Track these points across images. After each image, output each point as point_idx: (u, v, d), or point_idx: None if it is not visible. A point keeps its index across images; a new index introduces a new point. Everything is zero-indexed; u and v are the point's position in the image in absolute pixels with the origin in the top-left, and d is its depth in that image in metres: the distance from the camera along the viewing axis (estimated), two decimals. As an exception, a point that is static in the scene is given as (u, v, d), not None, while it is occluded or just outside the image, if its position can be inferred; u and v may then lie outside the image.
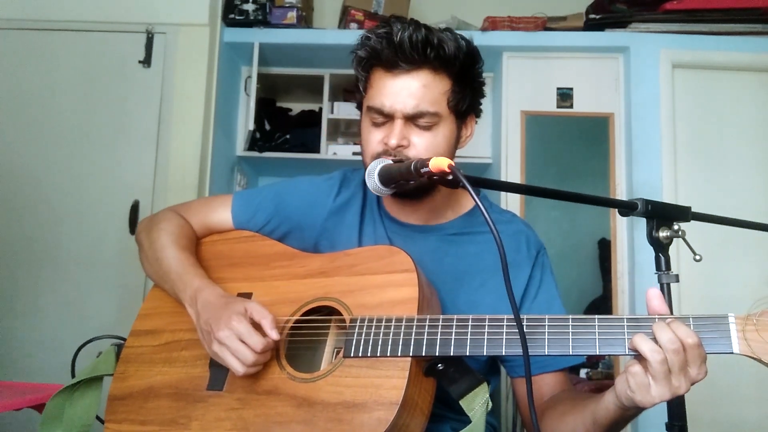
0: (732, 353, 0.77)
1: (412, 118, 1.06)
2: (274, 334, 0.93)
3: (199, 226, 1.25)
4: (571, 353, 0.83)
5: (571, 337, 0.84)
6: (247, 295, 1.10)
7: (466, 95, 1.10)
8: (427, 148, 1.07)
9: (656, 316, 0.80)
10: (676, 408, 0.87)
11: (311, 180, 1.26)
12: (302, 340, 1.04)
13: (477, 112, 1.18)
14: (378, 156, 1.07)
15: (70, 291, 2.51)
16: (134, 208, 2.55)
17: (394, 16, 1.10)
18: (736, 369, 2.53)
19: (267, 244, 1.19)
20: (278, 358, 0.99)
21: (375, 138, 1.09)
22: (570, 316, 0.85)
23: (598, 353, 0.83)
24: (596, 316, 0.84)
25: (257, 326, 0.94)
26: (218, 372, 1.02)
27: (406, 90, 1.05)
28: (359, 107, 1.17)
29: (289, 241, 1.20)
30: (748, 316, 0.78)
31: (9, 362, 2.45)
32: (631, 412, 0.84)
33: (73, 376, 1.15)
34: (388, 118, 1.07)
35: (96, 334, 1.21)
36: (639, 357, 0.79)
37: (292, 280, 1.09)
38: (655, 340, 0.77)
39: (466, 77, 1.09)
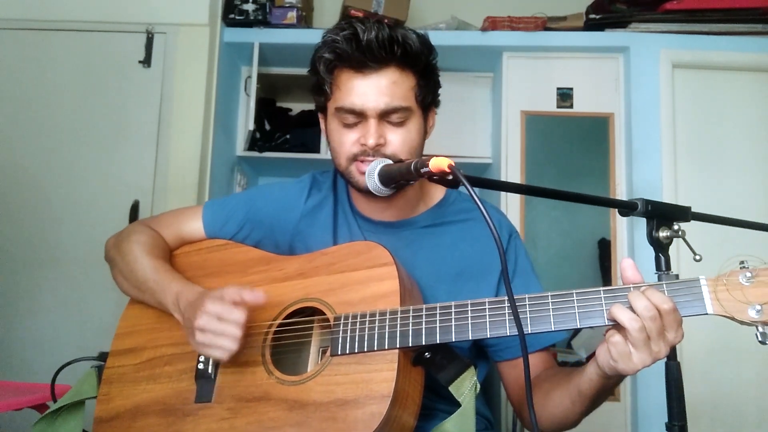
0: (707, 314, 0.81)
1: (384, 116, 1.07)
2: (254, 297, 0.93)
3: (171, 238, 1.24)
4: (553, 329, 0.86)
5: (552, 313, 0.86)
6: None
7: (431, 88, 1.13)
8: (402, 143, 1.08)
9: (631, 286, 0.83)
10: (676, 408, 0.87)
11: (281, 185, 1.27)
12: (287, 343, 1.03)
13: (437, 104, 1.20)
14: (355, 157, 1.09)
15: (70, 291, 2.51)
16: (134, 208, 2.55)
17: (354, 17, 1.10)
18: (737, 369, 2.54)
19: (242, 251, 1.18)
20: (265, 364, 0.98)
21: (349, 139, 1.09)
22: (549, 293, 0.87)
23: (579, 326, 0.85)
24: (574, 290, 0.86)
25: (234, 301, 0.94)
26: (205, 383, 1.01)
27: (377, 88, 1.06)
28: (321, 110, 1.18)
29: (264, 246, 1.20)
30: (718, 277, 0.82)
31: (9, 362, 2.45)
32: (613, 380, 0.88)
33: (53, 399, 1.13)
34: (360, 117, 1.08)
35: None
36: (618, 326, 0.81)
37: (271, 284, 1.08)
38: (631, 308, 0.80)
39: (428, 71, 1.12)
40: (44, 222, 2.56)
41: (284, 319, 1.03)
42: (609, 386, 0.91)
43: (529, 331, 0.85)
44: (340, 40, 1.07)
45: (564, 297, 0.86)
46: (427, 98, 1.13)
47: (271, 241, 1.21)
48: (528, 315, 0.86)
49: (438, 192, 1.22)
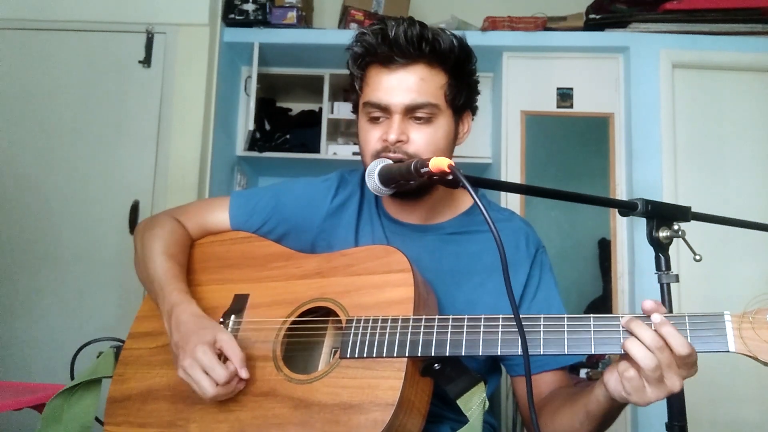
0: (728, 352, 0.77)
1: (410, 112, 1.06)
2: (243, 373, 0.92)
3: (195, 229, 1.24)
4: (566, 353, 0.84)
5: (566, 336, 0.84)
6: (244, 297, 1.10)
7: (462, 90, 1.12)
8: (426, 143, 1.07)
9: (651, 316, 0.80)
10: (676, 408, 0.87)
11: (309, 181, 1.26)
12: (299, 341, 1.03)
13: (473, 109, 1.19)
14: (378, 154, 1.07)
15: (70, 291, 2.51)
16: (134, 208, 2.55)
17: (386, 16, 1.11)
18: (736, 369, 2.54)
19: (263, 245, 1.18)
20: (275, 360, 0.99)
21: (373, 136, 1.09)
22: (565, 316, 0.85)
23: (593, 353, 0.83)
24: (591, 315, 0.84)
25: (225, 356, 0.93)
26: None
27: (404, 83, 1.05)
28: (355, 108, 1.17)
29: (287, 242, 1.20)
30: (744, 314, 0.78)
31: (9, 362, 2.45)
32: (622, 404, 0.86)
33: (72, 378, 1.14)
34: (386, 113, 1.07)
35: (96, 334, 1.21)
36: (629, 358, 0.79)
37: (288, 280, 1.08)
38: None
39: (461, 72, 1.11)
40: (44, 222, 2.56)
41: (298, 316, 1.03)
42: (617, 409, 0.89)
43: (541, 353, 0.84)
44: (368, 34, 1.07)
45: (580, 321, 0.84)
46: (459, 99, 1.11)
47: (294, 237, 1.21)
48: (541, 336, 0.85)
49: (467, 200, 1.20)
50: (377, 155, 1.07)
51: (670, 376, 0.77)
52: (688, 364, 0.78)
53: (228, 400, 0.97)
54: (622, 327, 0.81)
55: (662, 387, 0.78)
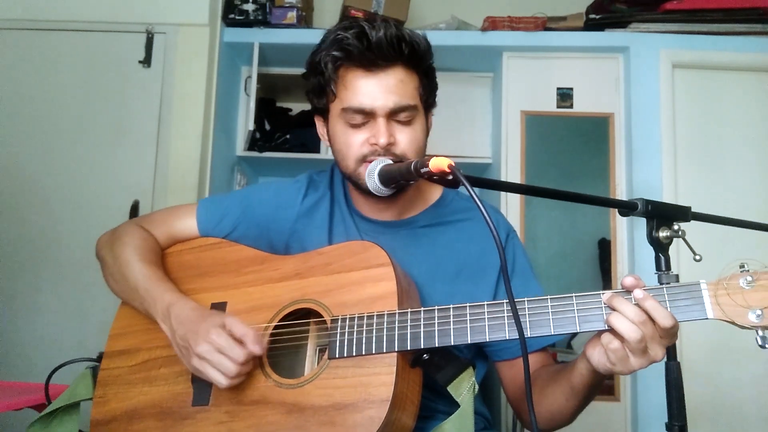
0: (707, 319, 0.80)
1: (393, 115, 1.06)
2: (257, 349, 0.92)
3: (163, 237, 1.23)
4: (553, 333, 0.85)
5: (551, 317, 0.85)
6: (221, 305, 1.08)
7: (432, 88, 1.14)
8: (410, 142, 1.08)
9: (631, 291, 0.82)
10: (676, 408, 0.87)
11: (278, 183, 1.26)
12: (283, 345, 1.02)
13: (434, 104, 1.20)
14: (364, 157, 1.07)
15: (70, 291, 2.51)
16: (134, 208, 2.55)
17: (352, 16, 1.10)
18: (736, 369, 2.54)
19: (235, 250, 1.16)
20: (262, 367, 0.97)
21: (357, 140, 1.08)
22: (548, 297, 0.87)
23: (578, 330, 0.85)
24: (573, 294, 0.86)
25: (236, 339, 0.93)
26: (202, 387, 1.00)
27: (385, 87, 1.05)
28: (321, 112, 1.15)
29: (259, 246, 1.18)
30: (718, 281, 0.82)
31: (9, 362, 2.44)
32: (604, 376, 0.89)
33: (47, 401, 1.12)
34: (368, 117, 1.07)
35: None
36: (613, 331, 0.82)
37: (266, 284, 1.07)
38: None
39: (430, 71, 1.13)
40: (44, 222, 2.56)
41: (280, 320, 1.02)
42: (600, 381, 0.92)
43: (529, 335, 0.85)
44: (349, 37, 1.05)
45: (564, 300, 0.86)
46: (430, 98, 1.14)
47: (266, 241, 1.20)
48: (528, 318, 0.86)
49: (435, 192, 1.22)
50: (363, 159, 1.07)
51: (653, 347, 0.81)
52: (670, 334, 0.81)
53: (219, 412, 0.96)
54: (604, 303, 0.83)
55: (646, 356, 0.81)
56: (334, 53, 1.07)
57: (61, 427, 1.10)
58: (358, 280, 0.98)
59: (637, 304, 0.81)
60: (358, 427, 0.86)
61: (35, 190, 2.58)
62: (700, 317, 0.81)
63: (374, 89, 1.05)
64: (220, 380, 0.92)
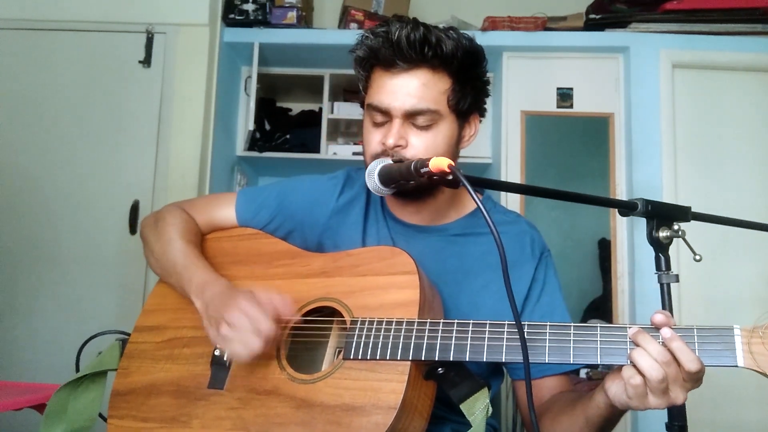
0: (736, 366, 0.76)
1: (410, 117, 1.06)
2: (288, 309, 0.94)
3: (203, 223, 1.25)
4: (571, 362, 0.83)
5: (572, 345, 0.83)
6: None
7: (467, 94, 1.09)
8: (426, 148, 1.06)
9: (660, 329, 0.79)
10: (676, 408, 0.87)
11: (315, 178, 1.26)
12: (303, 340, 1.03)
13: (481, 111, 1.17)
14: (377, 156, 1.07)
15: (70, 291, 2.51)
16: (134, 208, 2.55)
17: (395, 16, 1.10)
18: (736, 370, 2.53)
19: (270, 243, 1.18)
20: (279, 359, 0.99)
21: (375, 138, 1.09)
22: (572, 324, 0.85)
23: (599, 363, 0.82)
24: (598, 324, 0.83)
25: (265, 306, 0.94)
26: (219, 370, 1.01)
27: (405, 88, 1.04)
28: (362, 106, 1.17)
29: (293, 239, 1.20)
30: (754, 328, 0.77)
31: (9, 362, 2.45)
32: (621, 411, 0.86)
33: (77, 370, 1.14)
34: (387, 116, 1.07)
35: (94, 333, 1.21)
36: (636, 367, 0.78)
37: (293, 279, 1.08)
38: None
39: (466, 76, 1.08)
40: (44, 222, 2.56)
41: (303, 316, 1.03)
42: (616, 416, 0.89)
43: (546, 361, 0.84)
44: (372, 37, 1.06)
45: (587, 330, 0.83)
46: (463, 104, 1.09)
47: (300, 235, 1.21)
48: (547, 344, 0.84)
49: (472, 202, 1.19)
50: (377, 157, 1.07)
51: (675, 389, 0.77)
52: (695, 378, 0.78)
53: (231, 398, 0.97)
54: (629, 338, 0.80)
55: (665, 397, 0.78)
56: (358, 53, 1.09)
57: (87, 394, 1.12)
58: (382, 285, 0.98)
59: (663, 343, 0.77)
60: (363, 430, 0.86)
61: (35, 190, 2.58)
62: (730, 364, 0.77)
63: (394, 89, 1.05)
64: (242, 352, 0.92)
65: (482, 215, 0.79)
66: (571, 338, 0.83)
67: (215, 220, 1.25)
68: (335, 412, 0.89)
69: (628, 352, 0.79)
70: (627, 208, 0.91)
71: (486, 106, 1.18)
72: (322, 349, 1.05)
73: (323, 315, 1.04)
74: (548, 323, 0.86)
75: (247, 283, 1.12)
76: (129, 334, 1.17)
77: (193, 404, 0.99)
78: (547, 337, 0.84)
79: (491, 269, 1.11)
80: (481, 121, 1.19)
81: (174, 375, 1.04)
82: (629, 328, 0.81)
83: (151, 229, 1.21)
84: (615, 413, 0.87)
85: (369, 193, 1.21)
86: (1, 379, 2.00)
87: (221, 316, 0.95)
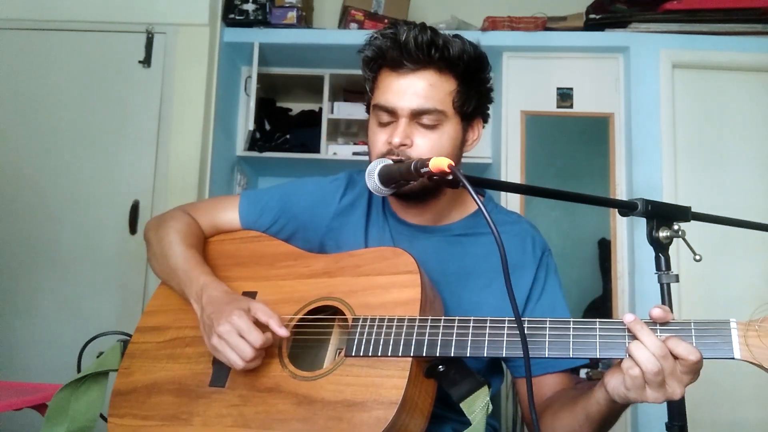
0: (733, 359, 0.77)
1: (416, 116, 1.07)
2: (282, 332, 0.94)
3: (207, 226, 1.26)
4: (571, 356, 0.84)
5: (571, 339, 0.84)
6: (252, 294, 1.11)
7: (472, 97, 1.11)
8: (431, 148, 1.07)
9: (657, 323, 0.80)
10: (676, 408, 0.87)
11: (317, 181, 1.27)
12: (305, 338, 1.04)
13: (484, 116, 1.18)
14: (383, 156, 1.07)
15: (70, 291, 2.51)
16: (134, 209, 2.55)
17: (403, 21, 1.11)
18: (736, 370, 2.53)
19: (273, 245, 1.20)
20: (280, 357, 0.99)
21: (380, 138, 1.09)
22: (571, 319, 0.86)
23: (598, 356, 0.83)
24: (597, 320, 0.84)
25: (258, 324, 0.95)
26: (220, 369, 1.02)
27: (412, 88, 1.06)
28: (368, 108, 1.18)
29: (295, 241, 1.21)
30: (750, 322, 0.78)
31: (9, 362, 2.45)
32: (621, 406, 0.86)
33: (79, 371, 1.15)
34: (393, 116, 1.08)
35: (95, 334, 1.21)
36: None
37: (296, 279, 1.09)
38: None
39: (472, 79, 1.10)
40: (44, 222, 2.56)
41: (305, 315, 1.04)
42: (616, 412, 0.89)
43: (546, 356, 0.84)
44: (380, 38, 1.08)
45: (586, 324, 0.84)
46: (468, 106, 1.11)
47: (302, 236, 1.22)
48: (546, 339, 0.85)
49: (474, 203, 1.20)
50: (382, 157, 1.07)
51: (671, 383, 0.78)
52: (694, 369, 0.78)
53: (232, 395, 0.98)
54: (625, 323, 0.81)
55: (662, 391, 0.78)
56: (367, 53, 1.11)
57: (88, 394, 1.13)
58: (384, 284, 1.00)
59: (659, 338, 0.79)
60: (364, 426, 0.86)
61: (35, 190, 2.58)
62: (726, 356, 0.77)
63: (400, 90, 1.07)
64: (236, 361, 0.93)
65: (482, 215, 0.79)
66: (571, 333, 0.84)
67: (219, 223, 1.26)
68: (336, 407, 0.89)
69: (627, 345, 0.80)
70: (627, 208, 0.91)
71: (489, 111, 1.19)
72: (324, 348, 1.06)
73: (326, 315, 1.05)
74: (548, 318, 0.87)
75: (250, 284, 1.13)
76: (130, 335, 1.17)
77: (195, 402, 1.00)
78: (547, 332, 0.85)
79: (493, 269, 1.12)
80: (484, 126, 1.20)
81: (175, 374, 1.05)
82: (626, 315, 0.82)
83: (154, 232, 1.23)
84: (615, 409, 0.88)
85: (371, 194, 1.22)
86: (1, 379, 2.00)
87: (212, 326, 0.96)
